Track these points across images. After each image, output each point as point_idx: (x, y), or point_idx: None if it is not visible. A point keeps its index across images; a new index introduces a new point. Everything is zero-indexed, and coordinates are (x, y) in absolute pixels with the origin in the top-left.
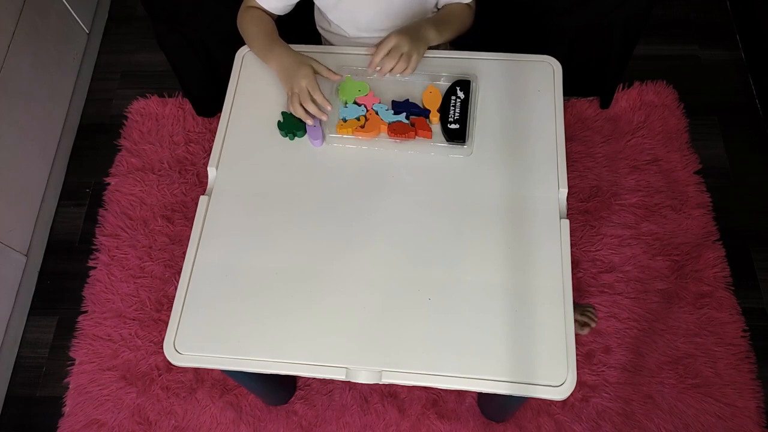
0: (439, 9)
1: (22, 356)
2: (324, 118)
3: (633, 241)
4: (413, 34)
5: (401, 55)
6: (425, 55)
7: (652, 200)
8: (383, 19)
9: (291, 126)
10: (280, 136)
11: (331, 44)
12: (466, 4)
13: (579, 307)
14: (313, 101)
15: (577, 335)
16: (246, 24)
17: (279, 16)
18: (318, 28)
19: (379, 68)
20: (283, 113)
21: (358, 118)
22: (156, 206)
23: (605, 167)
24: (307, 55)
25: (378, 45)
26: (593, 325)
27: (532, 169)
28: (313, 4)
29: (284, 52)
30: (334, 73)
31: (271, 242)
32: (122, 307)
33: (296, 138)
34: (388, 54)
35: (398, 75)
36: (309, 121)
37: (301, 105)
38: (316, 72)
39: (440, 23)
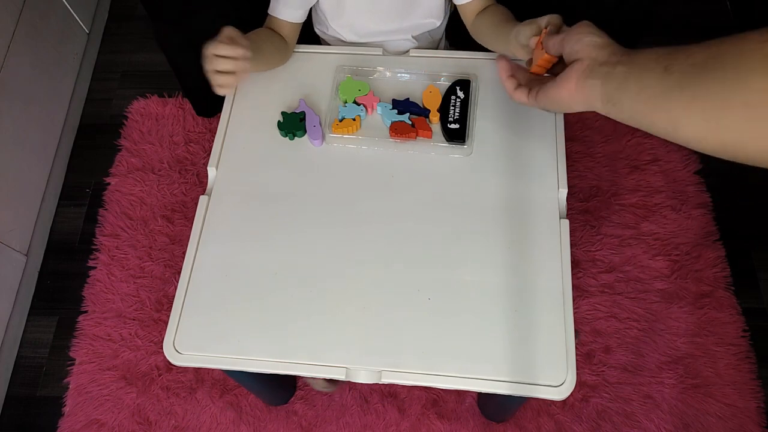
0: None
1: (22, 356)
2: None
3: (633, 241)
4: None
5: None
6: (425, 55)
7: (652, 200)
8: (382, 23)
9: (291, 126)
10: (280, 136)
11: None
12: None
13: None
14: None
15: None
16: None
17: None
18: (316, 30)
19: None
20: (283, 113)
21: (353, 118)
22: (156, 206)
23: (605, 167)
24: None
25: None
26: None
27: (532, 169)
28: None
29: None
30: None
31: (271, 242)
32: (122, 307)
33: (296, 138)
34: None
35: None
36: (220, 84)
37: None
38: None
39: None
